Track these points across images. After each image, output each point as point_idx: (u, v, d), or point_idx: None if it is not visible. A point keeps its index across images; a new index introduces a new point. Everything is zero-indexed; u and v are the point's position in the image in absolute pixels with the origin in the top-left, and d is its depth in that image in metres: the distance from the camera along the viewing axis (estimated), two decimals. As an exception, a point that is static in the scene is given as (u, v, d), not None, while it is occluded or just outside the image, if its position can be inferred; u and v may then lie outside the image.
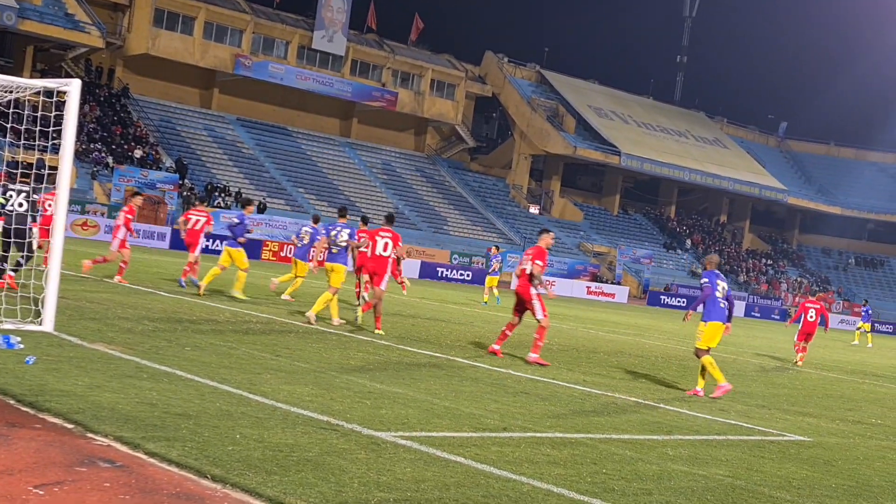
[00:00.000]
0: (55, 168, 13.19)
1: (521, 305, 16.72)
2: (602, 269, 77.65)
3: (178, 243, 53.90)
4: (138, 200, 25.30)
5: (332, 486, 6.77)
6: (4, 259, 17.50)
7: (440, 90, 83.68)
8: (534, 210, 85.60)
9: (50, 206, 27.22)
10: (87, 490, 6.09)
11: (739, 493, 8.36)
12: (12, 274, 17.19)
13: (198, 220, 23.68)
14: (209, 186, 63.93)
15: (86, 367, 10.21)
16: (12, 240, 17.41)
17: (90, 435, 7.45)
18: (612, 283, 74.91)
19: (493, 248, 43.81)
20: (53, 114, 12.51)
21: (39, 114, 13.20)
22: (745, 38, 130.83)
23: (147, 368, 10.63)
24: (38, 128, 13.27)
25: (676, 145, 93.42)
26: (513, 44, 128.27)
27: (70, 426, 7.65)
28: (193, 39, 71.59)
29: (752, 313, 75.96)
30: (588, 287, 69.02)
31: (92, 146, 61.41)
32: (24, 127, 13.21)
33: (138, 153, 63.40)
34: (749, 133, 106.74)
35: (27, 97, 13.41)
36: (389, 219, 19.37)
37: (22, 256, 17.36)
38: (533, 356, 16.26)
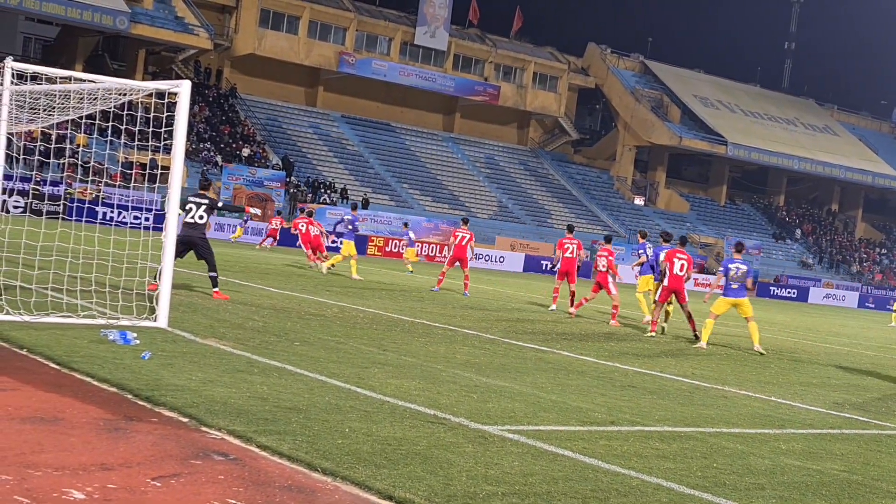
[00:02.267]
0: (167, 168, 13.51)
1: None
2: (709, 260, 76.51)
3: (287, 240, 54.64)
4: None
5: (440, 480, 6.80)
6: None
7: (542, 83, 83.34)
8: (639, 202, 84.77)
9: (301, 228, 29.55)
10: (203, 482, 6.23)
11: (856, 489, 8.17)
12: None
13: None
14: (315, 183, 64.75)
15: (199, 362, 10.43)
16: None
17: (204, 428, 7.61)
18: (720, 274, 73.72)
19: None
20: (165, 115, 12.81)
21: (152, 115, 13.52)
22: (856, 21, 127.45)
23: (258, 363, 10.81)
24: (151, 129, 13.60)
25: (785, 133, 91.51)
26: (615, 35, 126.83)
27: (185, 420, 7.83)
28: (298, 38, 72.54)
29: (866, 304, 74.14)
30: (695, 279, 68.08)
31: (201, 146, 62.70)
32: (137, 128, 13.53)
33: (246, 151, 64.52)
34: (861, 119, 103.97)
35: (140, 99, 13.74)
36: (683, 241, 21.59)
37: (211, 269, 17.76)
38: None
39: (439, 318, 19.18)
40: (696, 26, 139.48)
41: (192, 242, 17.75)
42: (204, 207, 17.73)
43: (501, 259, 62.63)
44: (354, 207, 31.44)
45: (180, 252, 17.87)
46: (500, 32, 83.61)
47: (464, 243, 27.35)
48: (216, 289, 17.68)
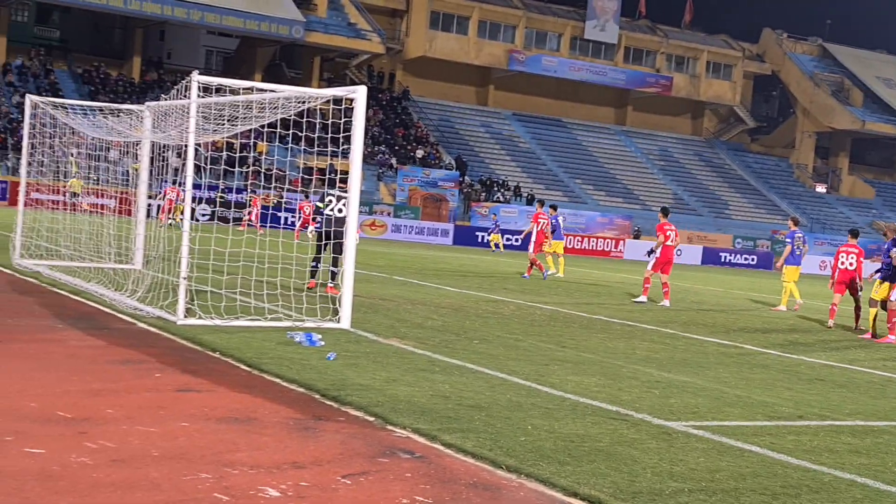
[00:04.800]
0: (344, 172, 13.80)
1: None
2: (899, 248, 73.44)
3: (462, 239, 55.10)
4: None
5: (624, 476, 6.76)
6: (317, 260, 18.15)
7: (716, 72, 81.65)
8: (820, 189, 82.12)
9: None
10: (391, 480, 6.36)
11: None
12: (313, 281, 17.82)
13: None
14: (488, 182, 65.11)
15: (382, 361, 10.64)
16: (326, 242, 17.86)
17: (389, 427, 7.76)
18: (911, 262, 70.72)
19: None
20: (343, 120, 13.08)
21: (330, 121, 13.84)
22: None
23: (439, 362, 10.95)
24: (330, 135, 13.92)
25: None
26: (791, 18, 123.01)
27: (371, 419, 8.00)
28: (468, 39, 73.10)
29: None
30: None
31: (376, 149, 63.88)
32: (316, 135, 13.82)
33: (420, 153, 65.41)
34: None
35: (317, 106, 14.07)
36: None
37: (337, 262, 17.89)
38: None
39: (617, 313, 19.04)
40: (878, 5, 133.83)
41: (330, 235, 17.59)
42: (344, 201, 17.43)
43: (678, 252, 61.64)
44: (554, 208, 31.21)
45: (322, 246, 18.00)
46: (672, 23, 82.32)
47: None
48: (332, 283, 17.53)
